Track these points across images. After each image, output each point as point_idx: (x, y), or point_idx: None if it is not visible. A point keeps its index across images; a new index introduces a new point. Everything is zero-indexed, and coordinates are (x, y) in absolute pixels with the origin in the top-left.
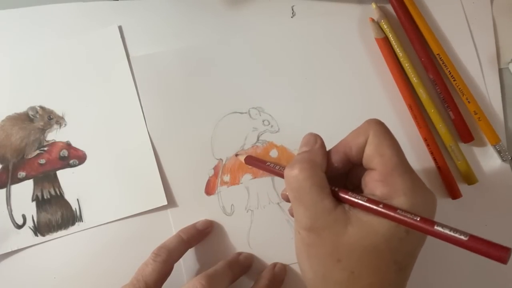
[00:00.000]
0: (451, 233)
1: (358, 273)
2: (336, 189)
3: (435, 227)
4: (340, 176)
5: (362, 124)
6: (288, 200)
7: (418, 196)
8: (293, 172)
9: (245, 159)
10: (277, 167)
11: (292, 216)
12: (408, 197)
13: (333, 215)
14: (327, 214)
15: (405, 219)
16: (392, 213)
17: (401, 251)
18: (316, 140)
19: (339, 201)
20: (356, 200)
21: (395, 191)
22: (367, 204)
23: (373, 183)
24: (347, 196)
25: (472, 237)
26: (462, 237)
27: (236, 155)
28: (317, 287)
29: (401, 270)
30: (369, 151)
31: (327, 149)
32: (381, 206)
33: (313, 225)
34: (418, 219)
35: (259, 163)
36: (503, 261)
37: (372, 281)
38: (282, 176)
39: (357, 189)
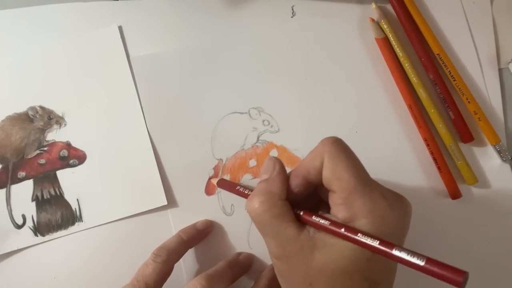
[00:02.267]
0: (408, 257)
1: None
2: (301, 213)
3: (393, 251)
4: (312, 192)
5: (317, 145)
6: None
7: (379, 217)
8: (252, 206)
9: (217, 183)
10: (246, 191)
11: None
12: (369, 219)
13: (298, 242)
14: (293, 242)
15: (366, 242)
16: (353, 236)
17: (370, 269)
18: (274, 166)
19: (305, 223)
20: (319, 223)
21: (355, 214)
22: (330, 227)
23: (335, 207)
24: (310, 219)
25: (429, 260)
26: (419, 261)
27: (210, 178)
28: None
29: (374, 286)
30: (326, 174)
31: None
32: (343, 229)
33: (281, 254)
34: (378, 243)
35: (230, 186)
36: (458, 285)
37: None
38: None
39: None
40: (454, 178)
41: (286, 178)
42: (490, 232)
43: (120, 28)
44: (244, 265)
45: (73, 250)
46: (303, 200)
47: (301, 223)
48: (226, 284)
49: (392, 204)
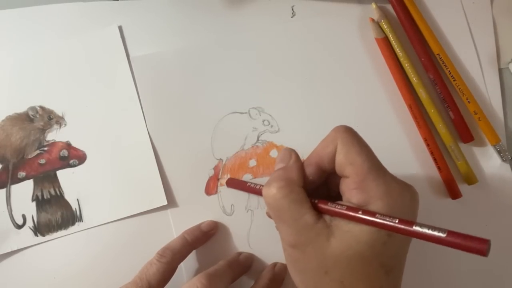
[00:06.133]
0: (430, 231)
1: (347, 282)
2: (316, 201)
3: (414, 227)
4: (321, 185)
5: (330, 132)
6: (270, 218)
7: (393, 199)
8: (270, 192)
9: (226, 182)
10: (257, 186)
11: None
12: (384, 201)
13: (315, 229)
14: (309, 229)
15: (385, 222)
16: (371, 218)
17: (386, 254)
18: (290, 155)
19: (321, 212)
20: (335, 210)
21: (370, 197)
22: (347, 212)
23: (348, 192)
24: (326, 207)
25: (450, 232)
26: (440, 234)
27: (217, 179)
28: None
29: (389, 272)
30: (339, 160)
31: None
32: (360, 212)
33: (297, 242)
34: (397, 221)
35: (240, 184)
36: (483, 253)
37: (363, 287)
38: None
39: (339, 195)
40: (454, 178)
41: (302, 166)
42: (490, 232)
43: (120, 28)
44: (244, 264)
45: (73, 250)
46: (313, 193)
47: (317, 212)
48: (226, 283)
49: (403, 188)
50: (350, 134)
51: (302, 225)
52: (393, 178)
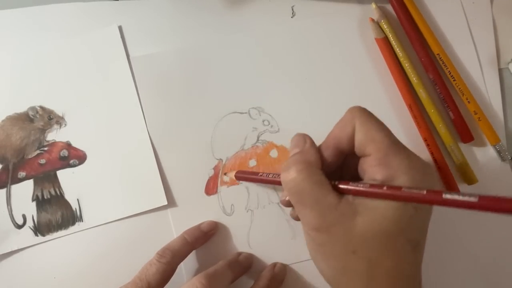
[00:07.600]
0: (461, 198)
1: (375, 260)
2: (336, 183)
3: (444, 195)
4: (334, 170)
5: (345, 114)
6: (287, 205)
7: (417, 172)
8: (290, 175)
9: (235, 175)
10: (270, 175)
11: (296, 219)
12: (409, 175)
13: (339, 209)
14: (333, 209)
15: (412, 195)
16: (398, 193)
17: (412, 229)
18: (305, 139)
19: (342, 193)
20: (359, 189)
21: (394, 172)
22: (371, 190)
23: (371, 169)
24: (348, 187)
25: (481, 197)
26: (472, 199)
27: (225, 173)
28: (339, 282)
29: (415, 248)
30: (359, 139)
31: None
32: (385, 188)
33: (322, 224)
34: (425, 192)
35: (251, 175)
36: None
37: (391, 264)
38: (278, 183)
39: (354, 179)
40: (454, 178)
41: (318, 149)
42: (490, 232)
43: (120, 28)
44: (244, 265)
45: (73, 250)
46: (329, 177)
47: (339, 193)
48: (226, 283)
49: (424, 162)
50: (367, 113)
51: (326, 206)
52: (413, 153)
